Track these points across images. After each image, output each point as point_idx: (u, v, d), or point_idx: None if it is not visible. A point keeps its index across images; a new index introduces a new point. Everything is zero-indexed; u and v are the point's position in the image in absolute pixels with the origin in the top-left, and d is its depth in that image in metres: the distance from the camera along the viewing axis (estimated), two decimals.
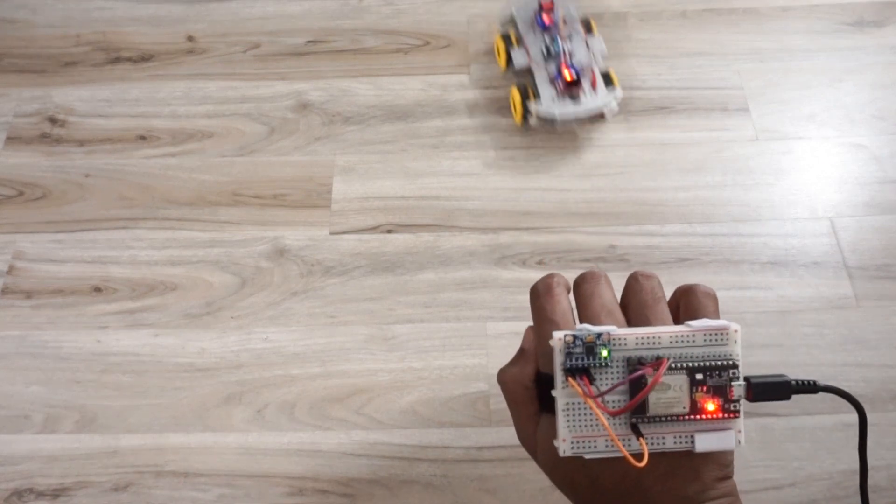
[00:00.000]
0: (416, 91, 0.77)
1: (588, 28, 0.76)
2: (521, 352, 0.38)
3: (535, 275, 0.66)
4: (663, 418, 0.30)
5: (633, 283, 0.38)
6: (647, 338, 0.32)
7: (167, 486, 0.57)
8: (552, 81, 0.71)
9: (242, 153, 0.74)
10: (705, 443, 0.30)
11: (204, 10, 0.84)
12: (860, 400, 0.59)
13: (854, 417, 0.59)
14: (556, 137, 0.74)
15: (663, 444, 0.30)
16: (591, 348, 0.31)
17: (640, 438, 0.30)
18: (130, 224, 0.70)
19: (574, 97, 0.70)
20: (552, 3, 0.76)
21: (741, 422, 0.31)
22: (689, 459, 0.32)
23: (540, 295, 0.37)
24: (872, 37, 0.80)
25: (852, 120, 0.74)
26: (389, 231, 0.69)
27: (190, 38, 0.82)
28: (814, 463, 0.57)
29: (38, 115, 0.77)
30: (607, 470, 0.32)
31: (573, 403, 0.31)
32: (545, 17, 0.74)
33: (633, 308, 0.36)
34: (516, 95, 0.71)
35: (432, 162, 0.73)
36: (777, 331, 0.63)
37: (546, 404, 0.34)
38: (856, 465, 0.57)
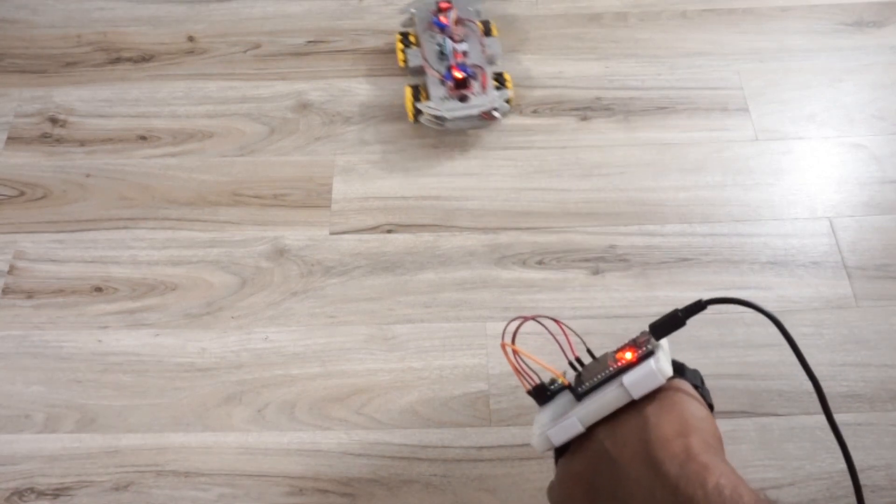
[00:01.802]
0: None
1: (487, 30, 0.77)
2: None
3: (536, 275, 0.66)
4: (597, 382, 0.35)
5: None
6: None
7: (168, 485, 0.57)
8: (442, 82, 0.72)
9: (242, 153, 0.74)
10: (630, 378, 0.34)
11: (204, 10, 0.85)
12: (860, 399, 0.60)
13: (854, 416, 0.59)
14: (555, 138, 0.74)
15: (604, 397, 0.34)
16: (542, 386, 0.40)
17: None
18: (131, 224, 0.70)
19: (463, 98, 0.71)
20: (450, 4, 0.76)
21: (661, 357, 0.35)
22: (637, 420, 0.34)
23: None
24: (872, 37, 0.80)
25: (852, 120, 0.75)
26: (389, 231, 0.69)
27: (190, 39, 0.82)
28: (813, 462, 0.57)
29: (38, 115, 0.77)
30: (584, 464, 0.33)
31: (548, 407, 0.38)
32: (442, 18, 0.75)
33: None
34: (408, 95, 0.73)
35: (432, 162, 0.73)
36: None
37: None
38: (855, 464, 0.57)
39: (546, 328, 0.38)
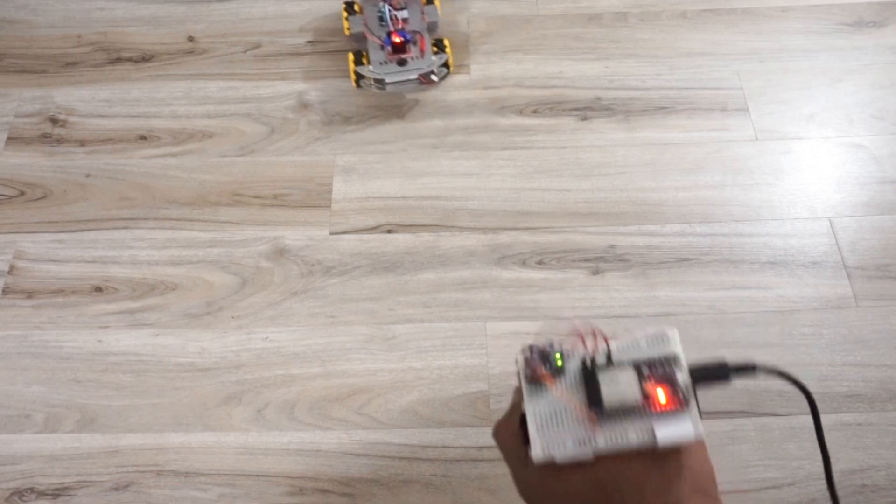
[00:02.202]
0: (416, 91, 0.77)
1: None
2: (510, 408, 0.39)
3: (536, 275, 0.66)
4: (621, 411, 0.32)
5: None
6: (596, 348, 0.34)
7: (168, 485, 0.57)
8: (383, 47, 0.75)
9: (243, 153, 0.74)
10: (664, 431, 0.31)
11: (204, 10, 0.85)
12: (859, 399, 0.60)
13: (854, 416, 0.59)
14: (555, 138, 0.74)
15: (626, 438, 0.31)
16: (546, 356, 0.34)
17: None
18: (131, 224, 0.70)
19: (402, 62, 0.74)
20: None
21: (695, 411, 0.32)
22: (659, 468, 0.32)
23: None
24: (872, 37, 0.80)
25: (851, 120, 0.75)
26: (389, 231, 0.69)
27: (190, 39, 0.82)
28: (813, 462, 0.57)
29: (39, 115, 0.77)
30: (588, 488, 0.32)
31: (540, 410, 0.33)
32: None
33: None
34: (350, 60, 0.75)
35: (432, 162, 0.73)
36: (776, 330, 0.63)
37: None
38: (855, 464, 0.57)
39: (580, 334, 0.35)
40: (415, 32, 0.75)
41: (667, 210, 0.69)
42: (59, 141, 0.75)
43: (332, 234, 0.69)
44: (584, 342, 0.34)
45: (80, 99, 0.78)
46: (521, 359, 0.35)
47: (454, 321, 0.64)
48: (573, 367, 0.34)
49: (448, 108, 0.76)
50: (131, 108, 0.77)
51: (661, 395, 0.32)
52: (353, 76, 0.75)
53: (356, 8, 0.79)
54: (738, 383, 0.60)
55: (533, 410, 0.33)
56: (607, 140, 0.74)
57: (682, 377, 0.33)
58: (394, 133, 0.75)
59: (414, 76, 0.73)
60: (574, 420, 0.32)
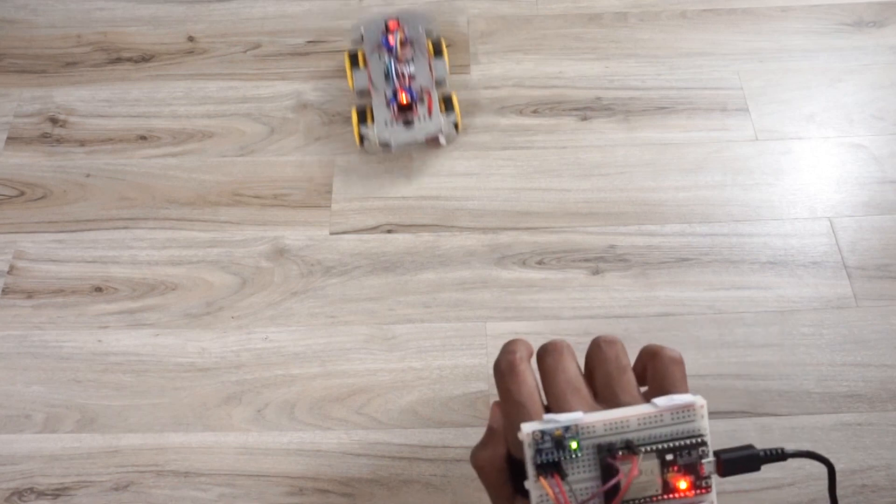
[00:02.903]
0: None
1: (438, 50, 0.75)
2: (490, 431, 0.36)
3: (536, 275, 0.66)
4: (637, 502, 0.30)
5: (596, 352, 0.36)
6: (616, 423, 0.31)
7: (168, 485, 0.57)
8: (388, 105, 0.71)
9: (243, 153, 0.74)
10: None
11: (204, 10, 0.85)
12: (859, 399, 0.60)
13: (854, 416, 0.59)
14: (555, 138, 0.74)
15: None
16: (560, 441, 0.31)
17: None
18: (131, 224, 0.70)
19: (408, 122, 0.70)
20: (398, 23, 0.74)
21: (713, 495, 0.31)
22: None
23: (504, 375, 0.35)
24: (872, 37, 0.80)
25: (851, 120, 0.75)
26: (389, 231, 0.69)
27: (190, 39, 0.82)
28: (813, 462, 0.57)
29: (38, 115, 0.77)
30: None
31: (546, 497, 0.31)
32: (390, 38, 0.73)
33: (599, 380, 0.35)
34: (354, 118, 0.71)
35: (432, 162, 0.73)
36: (776, 330, 0.63)
37: (521, 486, 0.33)
38: (855, 464, 0.57)
39: None
40: (422, 90, 0.71)
41: (667, 210, 0.69)
42: (59, 141, 0.75)
43: (332, 234, 0.69)
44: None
45: (80, 99, 0.78)
46: (527, 439, 0.31)
47: (454, 321, 0.64)
48: (589, 447, 0.31)
49: None
50: (131, 108, 0.77)
51: (681, 484, 0.30)
52: (356, 136, 0.71)
53: (360, 60, 0.75)
54: (738, 383, 0.61)
55: (538, 496, 0.31)
56: (607, 140, 0.74)
57: (708, 468, 0.31)
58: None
59: (421, 138, 0.69)
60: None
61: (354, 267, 0.67)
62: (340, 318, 0.64)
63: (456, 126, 0.71)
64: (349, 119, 0.76)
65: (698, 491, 0.29)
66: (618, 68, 0.78)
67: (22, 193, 0.72)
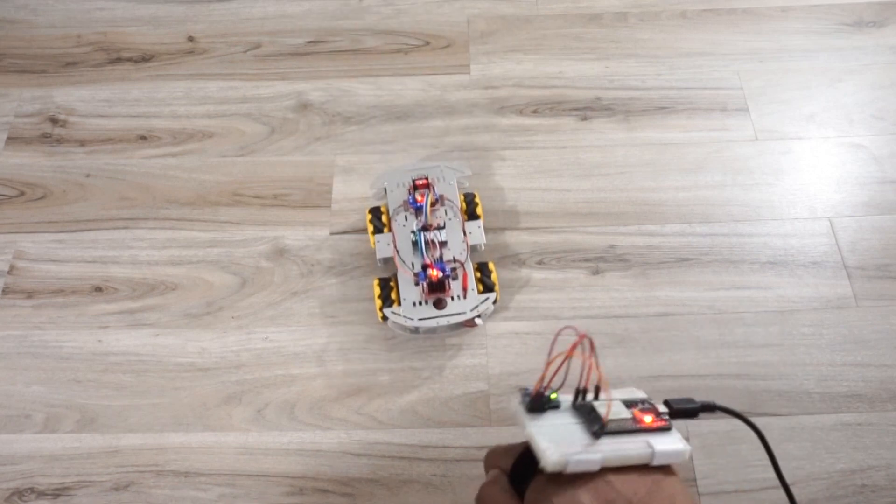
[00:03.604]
0: (416, 91, 0.78)
1: (471, 210, 0.65)
2: (489, 476, 0.39)
3: (536, 275, 0.66)
4: (617, 431, 0.35)
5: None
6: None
7: (168, 485, 0.57)
8: (417, 281, 0.60)
9: (243, 153, 0.74)
10: (660, 445, 0.34)
11: (204, 10, 0.85)
12: (859, 399, 0.60)
13: (854, 416, 0.59)
14: (555, 138, 0.74)
15: (627, 449, 0.34)
16: (540, 395, 0.36)
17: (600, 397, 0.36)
18: (131, 224, 0.70)
19: (439, 302, 0.59)
20: (426, 181, 0.64)
21: (679, 437, 0.35)
22: (657, 485, 0.34)
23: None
24: (872, 37, 0.80)
25: (851, 120, 0.75)
26: None
27: (190, 39, 0.82)
28: (813, 462, 0.57)
29: (39, 115, 0.77)
30: (596, 500, 0.33)
31: (545, 430, 0.35)
32: (419, 198, 0.62)
33: None
34: (376, 292, 0.61)
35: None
36: (776, 330, 0.63)
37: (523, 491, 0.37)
38: (855, 464, 0.57)
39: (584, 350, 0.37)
40: (456, 264, 0.60)
41: (667, 210, 0.69)
42: (59, 141, 0.75)
43: (332, 234, 0.69)
44: (592, 360, 0.36)
45: (80, 99, 0.78)
46: (515, 400, 0.37)
47: None
48: (566, 400, 0.37)
49: (448, 108, 0.76)
50: (131, 108, 0.77)
51: (647, 418, 0.35)
52: (379, 313, 0.61)
53: (384, 219, 0.64)
54: (738, 383, 0.61)
55: (538, 430, 0.35)
56: (607, 140, 0.74)
57: (662, 408, 0.37)
58: (394, 133, 0.75)
59: (453, 324, 0.59)
60: (578, 435, 0.35)
61: (354, 267, 0.67)
62: (340, 318, 0.64)
63: (494, 301, 0.60)
64: (349, 119, 0.76)
65: (662, 422, 0.35)
66: (618, 68, 0.78)
67: (22, 193, 0.72)
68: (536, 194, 0.71)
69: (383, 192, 0.67)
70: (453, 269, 0.60)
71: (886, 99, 0.76)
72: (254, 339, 0.64)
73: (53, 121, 0.77)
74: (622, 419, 0.35)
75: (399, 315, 0.59)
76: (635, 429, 0.35)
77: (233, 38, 0.82)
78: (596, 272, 0.66)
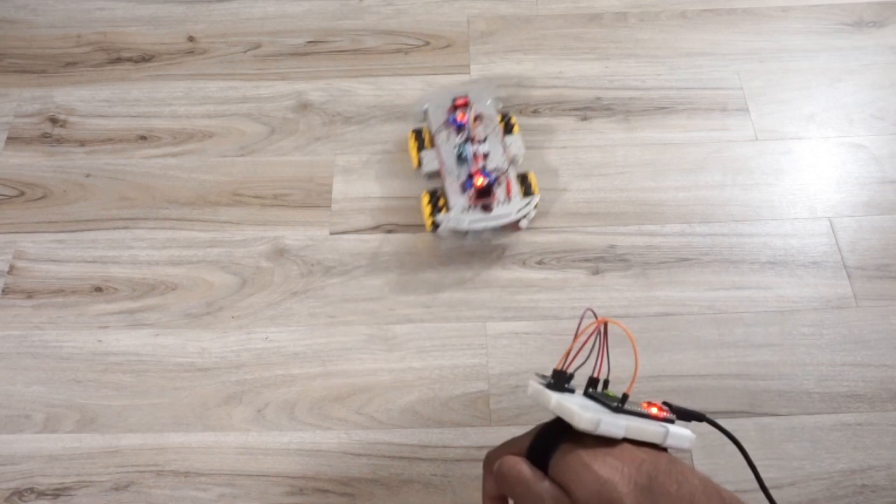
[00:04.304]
0: (416, 91, 0.78)
1: (508, 126, 0.71)
2: (500, 445, 0.41)
3: (536, 275, 0.66)
4: (631, 412, 0.38)
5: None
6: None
7: (168, 485, 0.57)
8: (463, 189, 0.66)
9: (243, 153, 0.74)
10: (674, 430, 0.37)
11: (204, 10, 0.85)
12: (859, 399, 0.60)
13: (854, 416, 0.59)
14: (555, 138, 0.74)
15: (646, 427, 0.36)
16: (563, 372, 0.40)
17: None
18: (131, 224, 0.70)
19: (486, 207, 0.65)
20: (466, 100, 0.70)
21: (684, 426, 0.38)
22: (676, 463, 0.35)
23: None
24: (872, 37, 0.80)
25: (851, 120, 0.75)
26: (389, 231, 0.69)
27: (190, 39, 0.82)
28: (813, 462, 0.57)
29: (38, 115, 0.77)
30: (631, 459, 0.35)
31: (572, 400, 0.38)
32: (459, 115, 0.69)
33: None
34: (425, 203, 0.66)
35: None
36: (776, 330, 0.63)
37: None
38: (855, 464, 0.57)
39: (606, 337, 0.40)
40: (499, 171, 0.66)
41: (667, 210, 0.69)
42: (59, 141, 0.75)
43: (332, 234, 0.69)
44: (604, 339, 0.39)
45: (80, 99, 0.78)
46: (532, 382, 0.41)
47: (454, 321, 0.64)
48: (579, 389, 0.40)
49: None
50: (131, 108, 0.77)
51: (653, 409, 0.38)
52: (428, 222, 0.66)
53: (425, 138, 0.70)
54: (738, 383, 0.61)
55: (564, 400, 0.37)
56: (607, 140, 0.74)
57: (664, 407, 0.40)
58: (394, 133, 0.75)
59: (501, 225, 0.65)
60: (600, 409, 0.37)
61: (354, 267, 0.67)
62: (340, 318, 0.64)
63: (535, 206, 0.66)
64: (349, 119, 0.76)
65: (667, 412, 0.38)
66: (618, 68, 0.78)
67: (22, 193, 0.72)
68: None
69: (423, 116, 0.72)
70: (496, 178, 0.65)
71: (886, 99, 0.76)
72: (254, 339, 0.64)
73: (53, 121, 0.77)
74: (633, 403, 0.38)
75: (452, 219, 0.64)
76: (645, 413, 0.38)
77: (233, 38, 0.82)
78: (596, 272, 0.66)
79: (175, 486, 0.57)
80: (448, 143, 0.68)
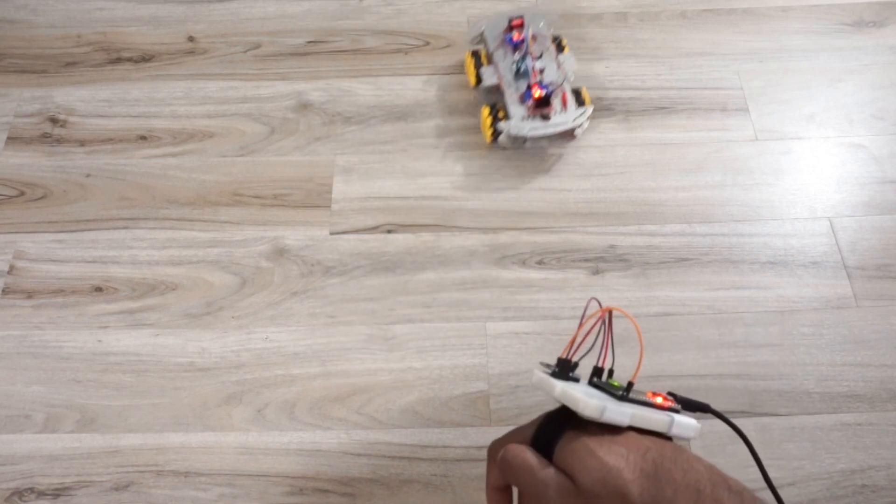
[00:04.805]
0: (416, 91, 0.78)
1: (559, 46, 0.76)
2: (506, 434, 0.42)
3: (536, 275, 0.66)
4: (636, 401, 0.37)
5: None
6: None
7: (168, 485, 0.57)
8: (522, 100, 0.71)
9: (243, 153, 0.74)
10: (679, 419, 0.36)
11: (204, 10, 0.85)
12: (859, 399, 0.60)
13: (854, 416, 0.59)
14: (556, 139, 0.74)
15: (651, 415, 0.36)
16: (567, 361, 0.40)
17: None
18: (131, 224, 0.70)
19: (544, 116, 0.70)
20: (522, 20, 0.75)
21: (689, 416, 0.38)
22: (682, 451, 0.35)
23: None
24: (872, 37, 0.80)
25: (851, 120, 0.75)
26: (389, 231, 0.69)
27: (190, 39, 0.82)
28: (813, 462, 0.57)
29: (39, 115, 0.77)
30: (638, 445, 0.35)
31: (577, 387, 0.38)
32: (515, 35, 0.74)
33: None
34: (486, 115, 0.71)
35: (432, 162, 0.73)
36: (776, 330, 0.63)
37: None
38: (855, 464, 0.57)
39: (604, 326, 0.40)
40: (554, 85, 0.71)
41: (667, 210, 0.69)
42: (59, 141, 0.75)
43: (332, 234, 0.69)
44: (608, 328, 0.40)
45: (80, 99, 0.78)
46: (536, 371, 0.40)
47: (454, 321, 0.64)
48: (583, 379, 0.40)
49: (448, 108, 0.76)
50: (131, 108, 0.77)
51: (658, 399, 0.38)
52: (487, 132, 0.71)
53: (483, 57, 0.75)
54: (738, 383, 0.61)
55: (568, 388, 0.37)
56: (607, 140, 0.74)
57: (669, 397, 0.40)
58: (394, 133, 0.75)
59: (558, 132, 0.70)
60: (606, 395, 0.37)
61: (354, 267, 0.67)
62: (340, 318, 0.64)
63: (588, 116, 0.71)
64: (349, 119, 0.76)
65: (672, 402, 0.39)
66: (618, 68, 0.78)
67: (22, 193, 0.72)
68: (536, 194, 0.71)
69: (479, 38, 0.77)
70: (553, 90, 0.70)
71: (886, 99, 0.76)
72: (254, 339, 0.64)
73: (53, 121, 0.77)
74: (638, 392, 0.38)
75: (514, 126, 0.69)
76: (650, 402, 0.38)
77: (233, 38, 0.82)
78: (596, 272, 0.66)
79: (175, 486, 0.57)
80: (506, 59, 0.73)
